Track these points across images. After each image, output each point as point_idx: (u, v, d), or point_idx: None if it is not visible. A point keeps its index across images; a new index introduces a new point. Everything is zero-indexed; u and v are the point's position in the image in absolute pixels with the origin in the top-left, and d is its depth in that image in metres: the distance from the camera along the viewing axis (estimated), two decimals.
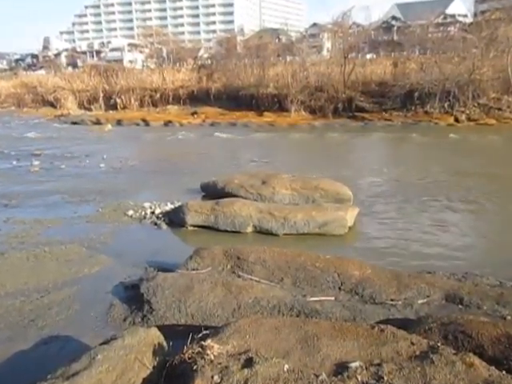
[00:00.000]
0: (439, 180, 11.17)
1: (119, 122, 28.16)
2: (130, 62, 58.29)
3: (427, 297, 4.96)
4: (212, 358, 3.13)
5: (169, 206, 9.02)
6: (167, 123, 27.50)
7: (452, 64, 25.26)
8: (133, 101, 33.30)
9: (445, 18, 43.81)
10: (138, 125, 27.50)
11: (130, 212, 8.75)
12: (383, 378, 2.95)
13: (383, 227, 7.99)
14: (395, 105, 25.79)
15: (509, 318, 4.45)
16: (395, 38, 37.73)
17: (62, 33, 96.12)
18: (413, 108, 25.46)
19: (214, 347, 3.21)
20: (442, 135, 19.48)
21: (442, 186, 10.49)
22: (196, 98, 31.93)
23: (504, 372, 3.06)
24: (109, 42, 72.89)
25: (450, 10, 49.87)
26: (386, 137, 20.06)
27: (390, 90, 25.43)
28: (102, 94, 34.36)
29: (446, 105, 24.61)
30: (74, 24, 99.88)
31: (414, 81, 24.86)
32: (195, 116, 29.55)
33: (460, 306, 4.75)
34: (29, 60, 68.41)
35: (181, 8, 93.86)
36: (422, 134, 19.68)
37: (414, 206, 9.10)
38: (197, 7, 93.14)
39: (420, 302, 4.89)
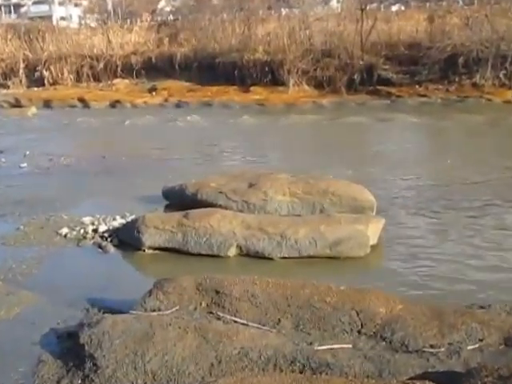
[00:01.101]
0: (495, 180, 11.25)
1: (47, 104, 28.18)
2: (62, 18, 58.19)
3: (480, 341, 5.00)
4: None
5: (118, 221, 9.04)
6: (114, 104, 27.66)
7: (509, 19, 25.61)
8: (66, 73, 33.12)
9: None
10: (73, 107, 27.56)
11: (64, 230, 8.74)
12: None
13: (419, 245, 8.06)
14: (432, 75, 26.03)
15: None
16: None
17: None
18: (456, 79, 25.69)
19: None
20: (499, 116, 19.66)
21: (499, 189, 10.58)
22: (155, 69, 31.90)
23: None
24: None
25: None
26: (420, 119, 20.16)
27: (424, 54, 25.58)
28: (22, 65, 34.05)
29: (501, 74, 25.01)
30: None
31: (458, 42, 25.07)
32: (154, 93, 29.65)
33: None
34: None
35: None
36: (470, 115, 19.89)
37: (460, 216, 9.17)
38: None
39: (470, 347, 4.93)
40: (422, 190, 10.79)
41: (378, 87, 26.78)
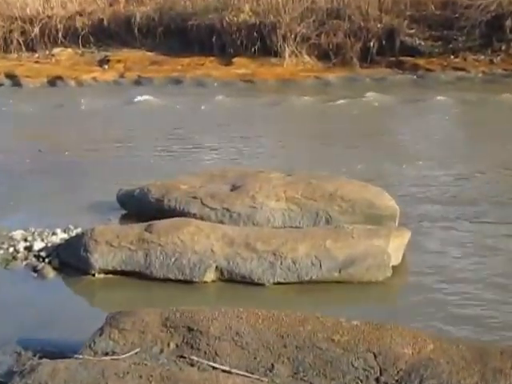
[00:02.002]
0: None
1: None
2: None
3: None
4: None
5: (59, 237, 9.00)
6: (54, 81, 27.56)
7: None
8: None
9: None
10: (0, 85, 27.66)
11: None
12: None
13: (455, 266, 8.12)
14: (471, 42, 26.16)
15: None
16: None
17: None
18: (503, 47, 25.92)
19: None
20: None
21: None
22: (107, 35, 31.79)
23: None
24: None
25: None
26: (455, 100, 20.25)
27: (461, 14, 25.75)
28: None
29: None
30: None
31: None
32: (106, 67, 29.53)
33: None
34: None
35: None
36: None
37: (510, 229, 9.28)
38: None
39: None
40: (459, 193, 10.84)
41: (401, 58, 26.95)
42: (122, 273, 7.97)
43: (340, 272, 7.64)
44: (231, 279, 7.75)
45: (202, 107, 20.77)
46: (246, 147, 14.94)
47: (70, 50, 33.04)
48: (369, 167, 12.11)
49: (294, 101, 21.25)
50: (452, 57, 26.27)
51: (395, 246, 7.98)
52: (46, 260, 8.39)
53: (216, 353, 5.57)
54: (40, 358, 5.86)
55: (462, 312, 6.92)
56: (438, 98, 20.35)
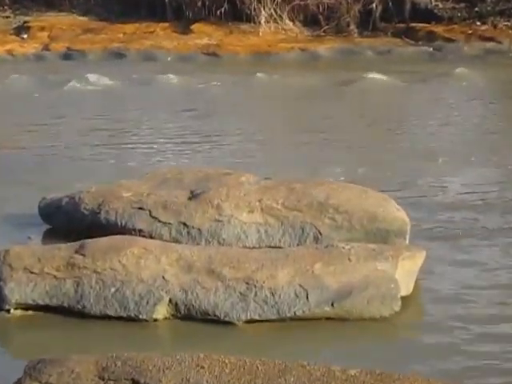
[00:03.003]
0: None
1: None
2: None
3: None
4: None
5: None
6: None
7: None
8: None
9: None
10: None
11: None
12: None
13: (483, 297, 8.07)
14: (503, 4, 26.57)
15: None
16: None
17: None
18: None
19: None
20: None
21: None
22: None
23: None
24: None
25: None
26: (483, 78, 20.61)
27: None
28: None
29: None
30: None
31: None
32: (25, 36, 29.69)
33: None
34: None
35: None
36: None
37: None
38: None
39: None
40: (490, 200, 10.92)
41: (413, 25, 27.25)
42: (46, 308, 7.81)
43: (333, 306, 7.52)
44: (189, 316, 7.61)
45: (151, 89, 20.89)
46: (208, 141, 14.95)
47: None
48: (371, 167, 12.12)
49: (272, 81, 21.45)
50: (478, 23, 26.63)
51: (405, 271, 7.90)
52: None
53: None
54: None
55: (491, 359, 6.76)
56: (461, 76, 20.64)
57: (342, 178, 10.51)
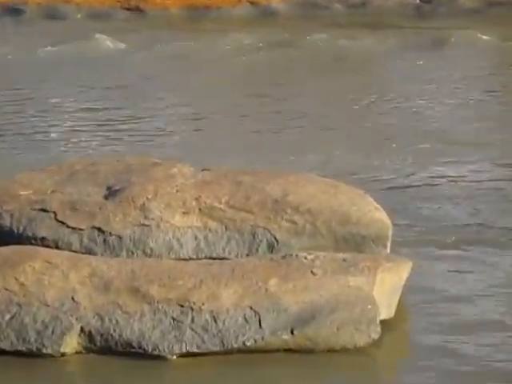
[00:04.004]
0: None
1: None
2: None
3: None
4: None
5: None
6: None
7: None
8: None
9: None
10: None
11: None
12: None
13: (484, 317, 8.19)
14: None
15: None
16: None
17: None
18: None
19: None
20: None
21: None
22: None
23: None
24: None
25: None
26: (482, 41, 21.26)
27: None
28: None
29: None
30: None
31: None
32: None
33: None
34: None
35: None
36: None
37: None
38: None
39: None
40: (491, 199, 11.40)
41: None
42: None
43: (293, 333, 7.45)
44: (107, 349, 7.45)
45: (46, 54, 21.75)
46: (129, 123, 15.28)
47: None
48: (342, 155, 12.32)
49: (212, 45, 21.81)
50: None
51: (386, 288, 7.80)
52: None
53: None
54: None
55: None
56: (457, 37, 20.82)
57: (304, 169, 10.65)
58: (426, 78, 18.49)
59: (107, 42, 21.59)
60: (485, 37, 20.35)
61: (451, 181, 12.00)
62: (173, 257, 8.80)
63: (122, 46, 20.96)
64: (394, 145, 13.35)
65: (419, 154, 12.97)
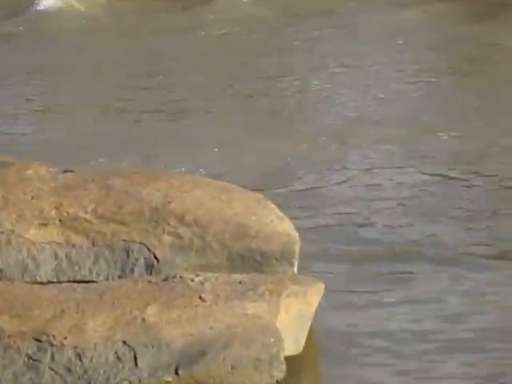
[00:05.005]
0: None
1: None
2: None
3: None
4: None
5: None
6: None
7: None
8: None
9: None
10: None
11: None
12: None
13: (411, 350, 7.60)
14: None
15: None
16: None
17: None
18: None
19: None
20: None
21: None
22: None
23: None
24: None
25: None
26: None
27: None
28: None
29: None
30: None
31: None
32: None
33: None
34: None
35: None
36: None
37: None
38: None
39: None
40: (408, 206, 10.79)
41: None
42: None
43: (177, 374, 7.07)
44: None
45: None
46: None
47: None
48: (234, 145, 12.13)
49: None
50: None
51: (293, 317, 7.42)
52: None
53: None
54: None
55: None
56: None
57: (187, 166, 10.51)
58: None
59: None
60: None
61: (383, 180, 11.76)
62: (27, 280, 8.33)
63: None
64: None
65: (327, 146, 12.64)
